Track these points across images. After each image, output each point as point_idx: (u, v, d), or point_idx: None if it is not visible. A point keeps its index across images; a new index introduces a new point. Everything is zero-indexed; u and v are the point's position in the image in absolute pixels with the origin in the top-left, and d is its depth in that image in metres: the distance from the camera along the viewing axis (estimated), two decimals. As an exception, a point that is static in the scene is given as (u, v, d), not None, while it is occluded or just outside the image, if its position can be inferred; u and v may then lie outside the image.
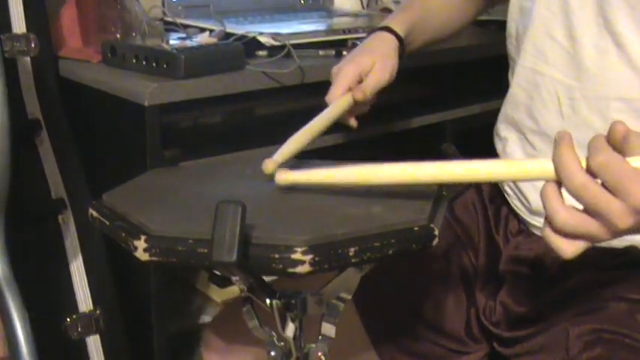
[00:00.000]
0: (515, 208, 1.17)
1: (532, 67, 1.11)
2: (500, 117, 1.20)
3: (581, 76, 1.04)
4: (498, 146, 1.21)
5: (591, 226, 0.74)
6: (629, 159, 0.72)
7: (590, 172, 0.73)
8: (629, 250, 1.06)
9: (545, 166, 0.76)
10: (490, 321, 1.13)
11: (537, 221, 1.12)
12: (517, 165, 0.79)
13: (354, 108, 1.17)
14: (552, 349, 1.02)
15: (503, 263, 1.16)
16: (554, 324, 1.04)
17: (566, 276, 1.09)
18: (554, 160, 0.75)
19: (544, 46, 1.09)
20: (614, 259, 1.07)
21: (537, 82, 1.10)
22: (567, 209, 0.74)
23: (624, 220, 0.72)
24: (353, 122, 1.19)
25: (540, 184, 1.09)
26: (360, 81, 1.16)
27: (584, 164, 0.74)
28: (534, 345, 1.06)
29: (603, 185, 0.73)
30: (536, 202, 1.11)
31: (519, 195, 1.15)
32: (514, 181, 1.12)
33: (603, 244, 1.05)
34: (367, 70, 1.17)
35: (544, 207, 0.75)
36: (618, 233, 0.74)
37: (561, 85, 1.07)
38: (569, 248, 0.76)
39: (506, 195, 1.19)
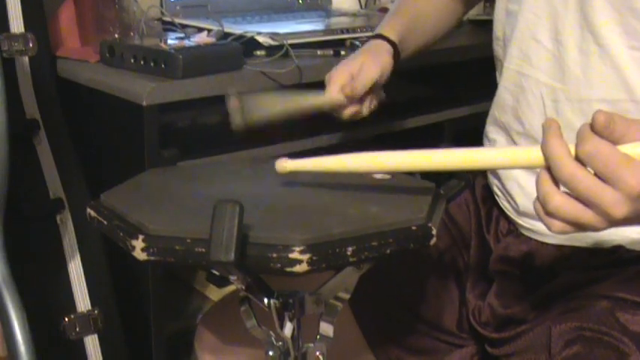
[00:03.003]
0: (504, 208, 1.18)
1: (517, 69, 1.11)
2: (489, 119, 1.21)
3: (565, 78, 1.04)
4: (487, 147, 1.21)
5: (586, 215, 0.73)
6: (618, 146, 0.71)
7: (580, 161, 0.72)
8: (617, 249, 1.07)
9: (536, 154, 0.75)
10: (479, 322, 1.14)
11: (526, 222, 1.13)
12: (508, 152, 0.78)
13: (351, 106, 1.19)
14: (537, 349, 1.03)
15: (492, 263, 1.16)
16: (540, 323, 1.05)
17: (553, 276, 1.10)
18: (542, 150, 0.74)
19: (529, 48, 1.09)
20: (602, 259, 1.07)
21: (523, 85, 1.10)
22: (562, 195, 0.73)
23: (619, 209, 0.71)
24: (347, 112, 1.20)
25: (528, 186, 1.10)
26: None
27: (573, 152, 0.73)
28: (521, 345, 1.06)
29: (596, 175, 0.72)
30: (523, 203, 1.12)
31: (507, 196, 1.15)
32: (505, 168, 1.12)
33: (591, 245, 1.06)
34: (357, 68, 1.19)
35: (537, 192, 0.74)
36: (615, 222, 0.73)
37: (546, 87, 1.07)
38: (559, 226, 0.74)
39: (495, 196, 1.20)
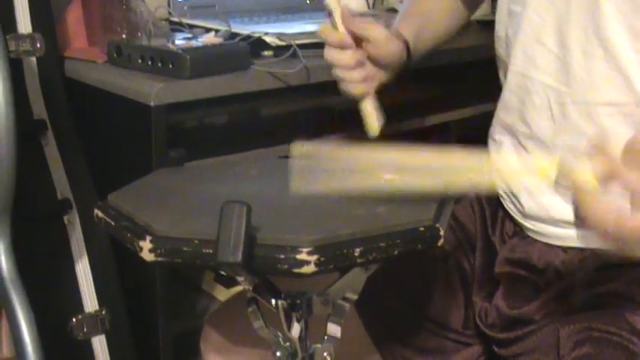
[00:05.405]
0: (509, 210, 1.18)
1: (522, 72, 1.11)
2: (495, 120, 1.20)
3: (570, 81, 1.04)
4: (492, 149, 1.21)
5: None
6: None
7: None
8: None
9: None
10: (485, 324, 1.13)
11: (531, 224, 1.13)
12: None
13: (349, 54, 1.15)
14: (545, 350, 1.03)
15: (498, 265, 1.16)
16: (547, 324, 1.05)
17: (560, 278, 1.10)
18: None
19: (533, 51, 1.08)
20: (609, 261, 1.07)
21: (528, 87, 1.10)
22: None
23: None
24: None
25: (533, 188, 1.10)
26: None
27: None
28: (529, 345, 1.06)
29: None
30: (529, 205, 1.11)
31: (513, 198, 1.15)
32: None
33: (597, 247, 1.06)
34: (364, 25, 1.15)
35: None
36: None
37: (551, 90, 1.06)
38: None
39: (501, 198, 1.19)
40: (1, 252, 1.20)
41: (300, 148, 0.88)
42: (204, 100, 1.33)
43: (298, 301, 0.86)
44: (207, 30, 1.56)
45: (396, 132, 1.61)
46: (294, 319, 0.87)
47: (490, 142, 1.21)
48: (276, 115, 1.61)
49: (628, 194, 0.73)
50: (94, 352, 1.49)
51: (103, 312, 1.48)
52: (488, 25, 1.90)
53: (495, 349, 1.13)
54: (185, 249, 0.74)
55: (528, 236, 1.14)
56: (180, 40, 1.46)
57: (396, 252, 0.76)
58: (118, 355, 1.51)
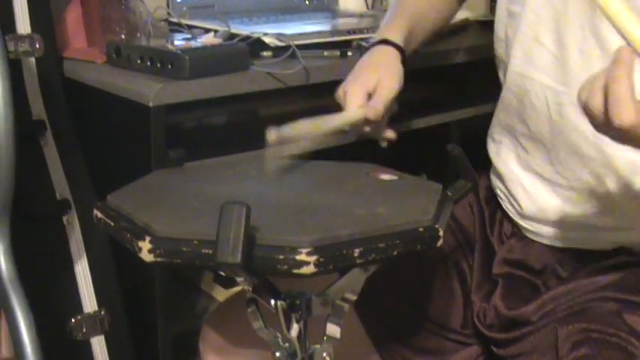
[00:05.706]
0: (507, 211, 1.18)
1: (521, 72, 1.11)
2: (494, 120, 1.20)
3: (568, 80, 1.04)
4: (492, 149, 1.20)
5: None
6: None
7: None
8: (620, 252, 1.07)
9: None
10: (484, 324, 1.13)
11: (529, 225, 1.13)
12: None
13: (372, 124, 1.17)
14: (543, 350, 1.03)
15: (496, 265, 1.16)
16: (545, 325, 1.05)
17: (557, 278, 1.10)
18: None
19: (532, 51, 1.09)
20: (605, 261, 1.07)
21: (526, 87, 1.10)
22: None
23: None
24: (389, 135, 1.20)
25: (532, 189, 1.10)
26: (369, 97, 1.16)
27: None
28: (527, 346, 1.06)
29: None
30: (527, 206, 1.12)
31: (511, 199, 1.15)
32: None
33: (595, 248, 1.06)
34: (373, 86, 1.16)
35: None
36: None
37: (549, 90, 1.06)
38: None
39: (499, 198, 1.19)
40: (0, 252, 1.20)
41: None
42: (204, 101, 1.33)
43: (297, 302, 0.86)
44: (207, 30, 1.55)
45: (396, 132, 1.61)
46: (294, 319, 0.87)
47: (489, 141, 1.22)
48: (275, 115, 1.61)
49: None
50: (93, 353, 1.49)
51: (102, 312, 1.48)
52: (487, 26, 1.91)
53: (494, 349, 1.13)
54: (184, 249, 0.74)
55: (526, 237, 1.15)
56: (179, 41, 1.46)
57: (395, 252, 0.76)
58: (117, 355, 1.51)
